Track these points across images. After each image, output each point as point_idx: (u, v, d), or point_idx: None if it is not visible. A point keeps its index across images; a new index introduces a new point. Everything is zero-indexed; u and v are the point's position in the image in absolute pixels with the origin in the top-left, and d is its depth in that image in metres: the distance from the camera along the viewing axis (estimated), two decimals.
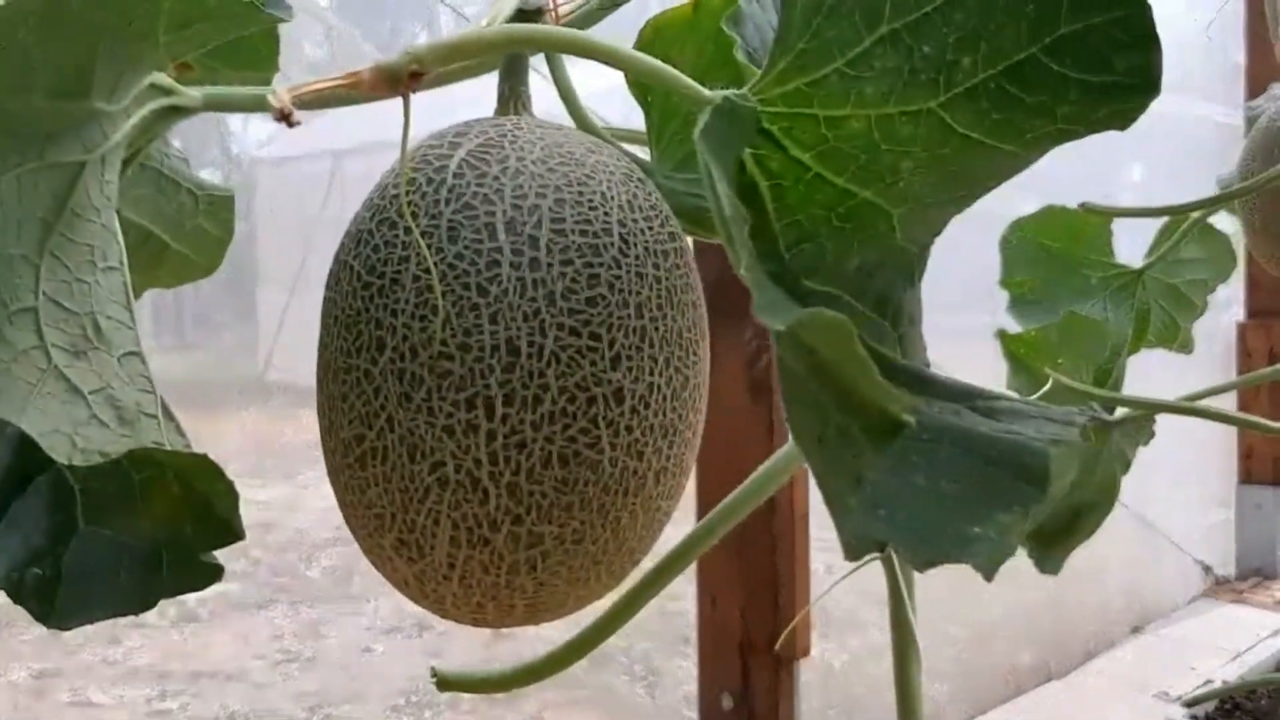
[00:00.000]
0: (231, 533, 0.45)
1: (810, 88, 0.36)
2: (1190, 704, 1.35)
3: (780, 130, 0.37)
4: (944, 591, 2.28)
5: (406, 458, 0.45)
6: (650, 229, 0.47)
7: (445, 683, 0.59)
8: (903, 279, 0.44)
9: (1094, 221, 1.45)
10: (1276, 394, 2.41)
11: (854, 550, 0.32)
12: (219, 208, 0.62)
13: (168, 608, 2.91)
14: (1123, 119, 0.38)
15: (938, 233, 0.43)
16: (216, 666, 2.55)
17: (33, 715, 2.34)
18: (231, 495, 0.44)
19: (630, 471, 0.47)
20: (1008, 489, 0.34)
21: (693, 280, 0.48)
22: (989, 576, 1.03)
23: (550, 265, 0.44)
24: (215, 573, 0.46)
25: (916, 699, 0.67)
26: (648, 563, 0.63)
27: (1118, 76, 0.38)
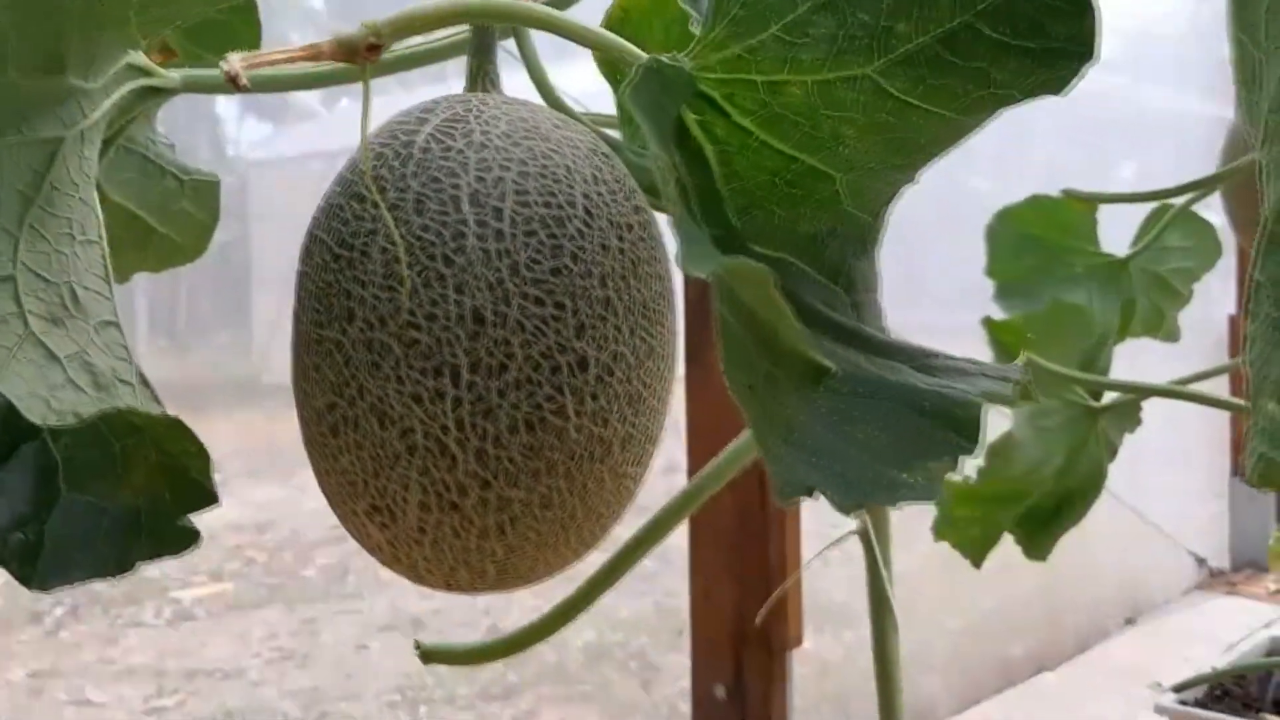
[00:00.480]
0: (207, 496, 0.46)
1: (748, 54, 0.37)
2: (1179, 689, 1.36)
3: (723, 96, 0.38)
4: (938, 585, 2.30)
5: (376, 425, 0.46)
6: (615, 202, 0.48)
7: (428, 655, 0.60)
8: (856, 247, 0.45)
9: (1079, 211, 1.46)
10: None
11: (783, 493, 0.34)
12: (203, 192, 0.63)
13: (164, 608, 2.93)
14: (1058, 85, 0.39)
15: (887, 201, 0.44)
16: (213, 665, 2.57)
17: (31, 714, 2.36)
18: (204, 458, 0.45)
19: (596, 438, 0.48)
20: (939, 439, 0.35)
21: (659, 253, 0.49)
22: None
23: (514, 236, 0.45)
24: (192, 537, 0.47)
25: (896, 677, 0.69)
26: (625, 534, 0.65)
27: (1055, 43, 0.39)
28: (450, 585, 0.51)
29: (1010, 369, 0.40)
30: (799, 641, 1.65)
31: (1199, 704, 1.39)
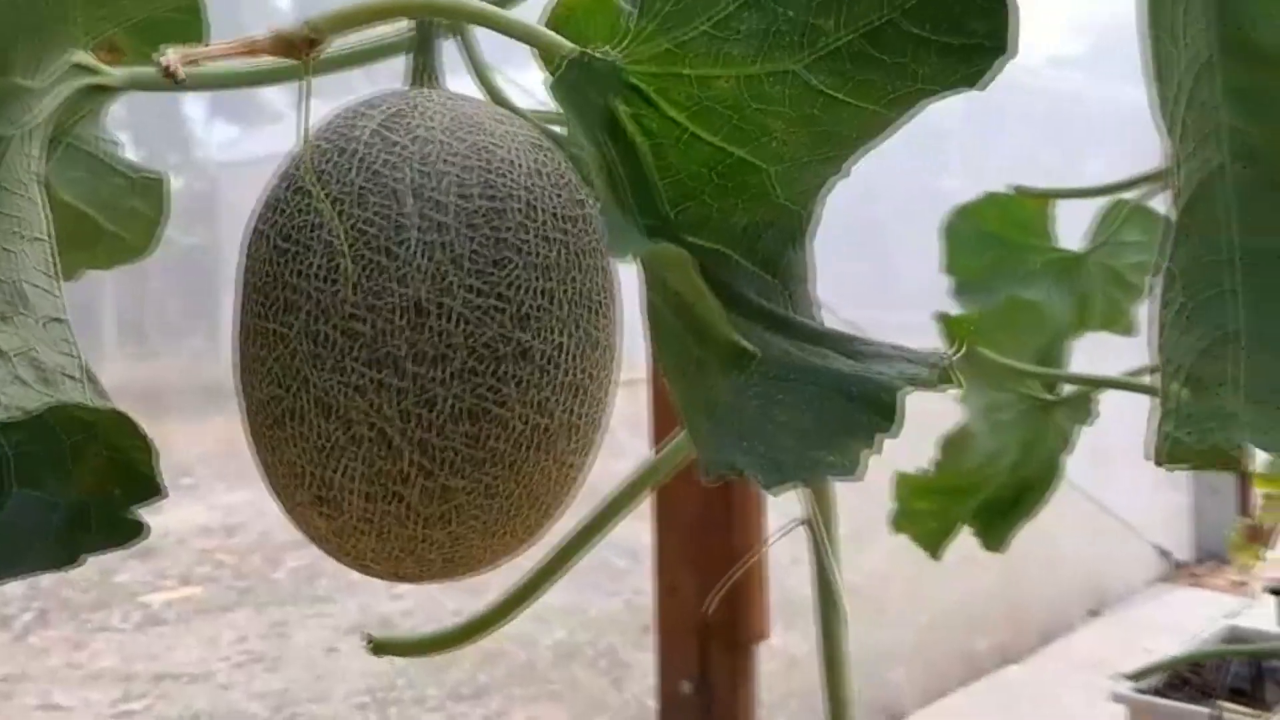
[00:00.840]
0: (154, 489, 0.47)
1: (677, 48, 0.38)
2: (1136, 677, 1.38)
3: (655, 90, 0.39)
4: (905, 581, 2.32)
5: (320, 416, 0.47)
6: (558, 195, 0.49)
7: (380, 647, 0.61)
8: (790, 239, 0.46)
9: (1036, 208, 1.48)
10: None
11: (709, 472, 0.35)
12: (151, 190, 0.64)
13: (133, 612, 2.91)
14: (976, 78, 0.40)
15: (817, 193, 0.45)
16: (181, 669, 2.56)
17: None
18: (149, 451, 0.46)
19: (539, 427, 0.49)
20: (861, 420, 0.37)
21: (601, 245, 0.50)
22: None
23: (456, 229, 0.46)
24: (139, 529, 0.47)
25: (844, 666, 0.70)
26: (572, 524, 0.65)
27: (973, 39, 0.40)
28: (397, 575, 0.52)
29: (933, 354, 0.41)
30: (765, 635, 1.67)
31: (1157, 692, 1.41)
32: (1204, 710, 1.26)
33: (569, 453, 0.51)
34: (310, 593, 2.96)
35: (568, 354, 0.49)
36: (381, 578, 0.52)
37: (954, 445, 1.31)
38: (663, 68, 0.39)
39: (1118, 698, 1.35)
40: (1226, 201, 0.41)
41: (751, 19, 0.38)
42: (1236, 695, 1.40)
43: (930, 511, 1.34)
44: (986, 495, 1.35)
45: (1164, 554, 2.96)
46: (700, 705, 1.71)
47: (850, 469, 0.36)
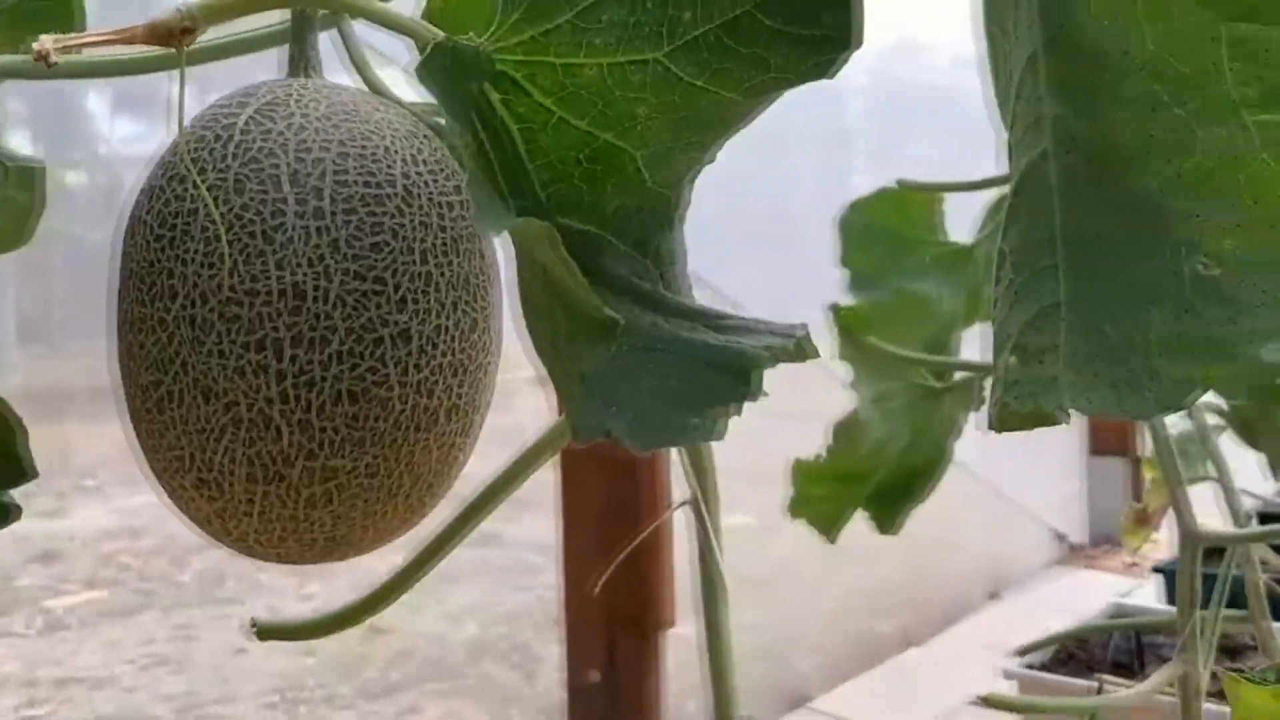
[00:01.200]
0: (25, 472, 0.47)
1: (544, 37, 0.40)
2: (1023, 653, 1.43)
3: (523, 76, 0.41)
4: (812, 568, 2.37)
5: (201, 400, 0.48)
6: (435, 181, 0.50)
7: (265, 632, 0.62)
8: (660, 223, 0.48)
9: (926, 202, 1.52)
10: None
11: (580, 436, 0.37)
12: (29, 178, 0.63)
13: (36, 617, 2.84)
14: (827, 69, 0.43)
15: (684, 178, 0.47)
16: (85, 673, 2.50)
17: None
18: (22, 432, 0.46)
19: (421, 408, 0.50)
20: (724, 387, 0.39)
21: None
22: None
23: (334, 214, 0.47)
24: (12, 511, 0.48)
25: (726, 646, 0.72)
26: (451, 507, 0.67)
27: (824, 30, 0.43)
28: (281, 556, 0.53)
29: (795, 327, 0.44)
30: (671, 624, 1.69)
31: (1044, 667, 1.47)
32: (1087, 683, 1.31)
33: (451, 433, 0.52)
34: (217, 594, 2.92)
35: (448, 335, 0.50)
36: (265, 559, 0.53)
37: (845, 432, 1.34)
38: (529, 55, 0.40)
39: (1008, 674, 1.40)
40: (1050, 185, 0.44)
41: (614, 10, 0.40)
42: (1119, 669, 1.46)
43: (825, 497, 1.38)
44: (879, 480, 1.39)
45: (1060, 537, 3.06)
46: (608, 694, 1.73)
47: (712, 433, 0.39)
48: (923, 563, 2.49)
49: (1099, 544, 3.09)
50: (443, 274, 0.50)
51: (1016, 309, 0.45)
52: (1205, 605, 1.44)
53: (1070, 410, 0.43)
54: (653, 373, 0.39)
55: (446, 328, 0.50)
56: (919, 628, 2.38)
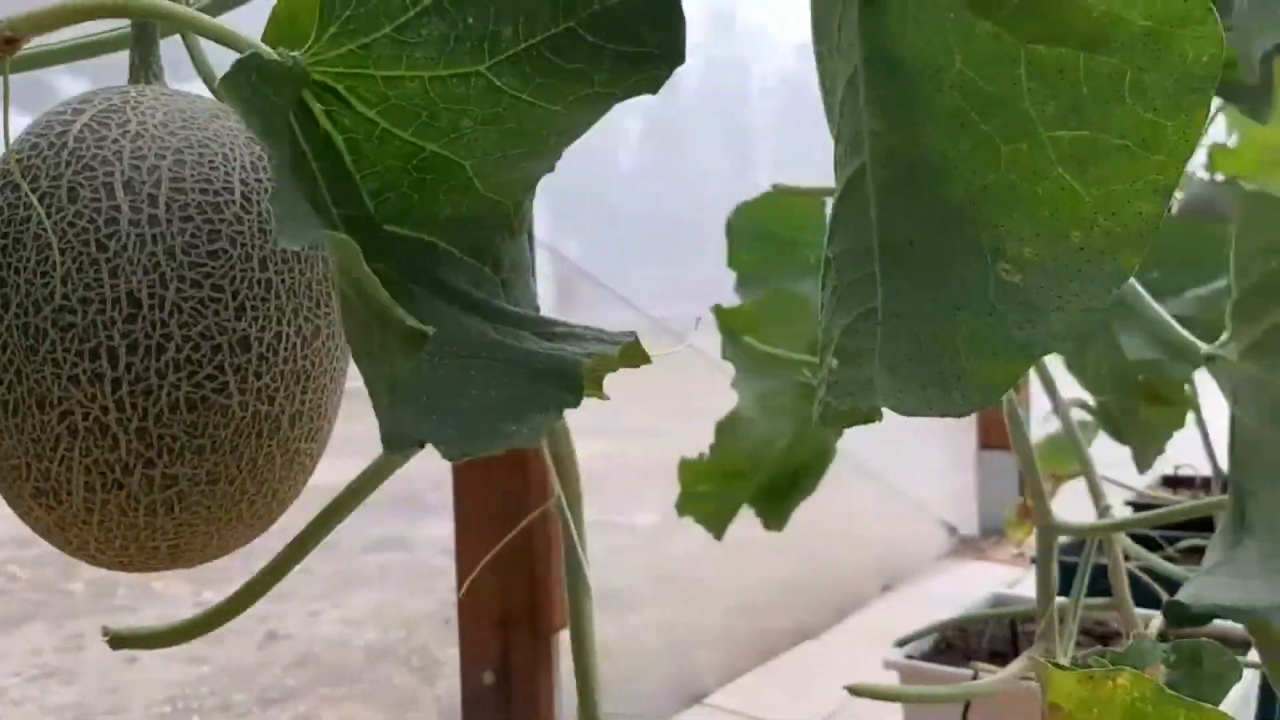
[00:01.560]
0: None
1: (363, 50, 0.41)
2: (903, 643, 1.47)
3: (345, 88, 0.42)
4: (714, 567, 2.40)
5: (36, 408, 0.47)
6: None
7: (118, 640, 0.61)
8: (499, 229, 0.49)
9: (809, 204, 1.55)
10: None
11: (389, 445, 0.37)
12: None
13: None
14: (652, 85, 0.44)
15: (523, 186, 0.48)
16: None
17: None
18: None
19: (262, 415, 0.50)
20: (547, 394, 0.40)
21: None
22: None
23: (170, 221, 0.48)
24: None
25: (590, 642, 0.74)
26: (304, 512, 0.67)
27: (648, 48, 0.44)
28: (124, 565, 0.53)
29: (621, 334, 0.45)
30: (565, 624, 1.69)
31: (925, 657, 1.50)
32: (964, 671, 1.35)
33: (295, 439, 0.52)
34: (108, 603, 2.85)
35: (289, 343, 0.50)
36: (108, 567, 0.53)
37: (729, 430, 1.37)
38: (350, 68, 0.41)
39: (888, 664, 1.43)
40: (868, 196, 0.46)
41: (435, 24, 0.41)
42: (996, 657, 1.51)
43: (711, 494, 1.40)
44: (764, 477, 1.42)
45: (951, 530, 3.14)
46: (502, 695, 1.73)
47: (532, 438, 0.40)
48: (819, 557, 2.53)
49: (989, 536, 3.17)
50: (284, 281, 0.50)
51: (838, 314, 0.47)
52: (1082, 594, 1.49)
53: (884, 410, 0.45)
54: (476, 381, 0.40)
55: (288, 335, 0.50)
56: (814, 621, 2.43)
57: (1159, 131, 0.40)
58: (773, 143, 3.03)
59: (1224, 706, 1.25)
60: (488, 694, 1.73)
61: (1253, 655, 1.10)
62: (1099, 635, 1.61)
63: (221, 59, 0.58)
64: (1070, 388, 1.59)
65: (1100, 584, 1.37)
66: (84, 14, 0.41)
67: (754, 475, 1.41)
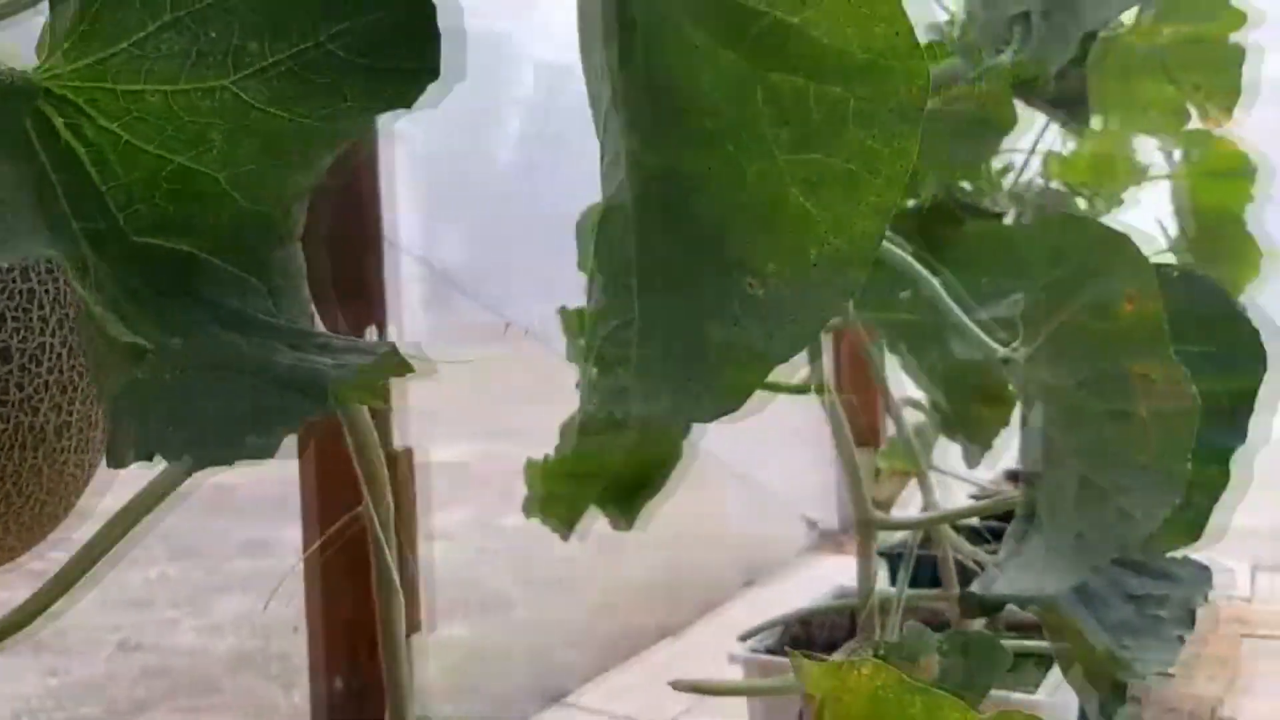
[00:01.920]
0: None
1: (100, 65, 0.41)
2: (747, 637, 1.50)
3: (85, 101, 0.42)
4: (583, 568, 2.41)
5: None
6: None
7: None
8: (264, 240, 0.49)
9: None
10: (856, 369, 2.70)
11: (111, 458, 0.38)
12: None
13: None
14: (406, 99, 0.45)
15: (288, 197, 0.49)
16: None
17: None
18: None
19: (26, 426, 0.50)
20: (291, 405, 0.40)
21: None
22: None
23: None
24: None
25: (400, 645, 0.74)
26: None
27: (400, 63, 0.45)
28: None
29: (380, 344, 0.46)
30: (418, 628, 1.69)
31: (770, 651, 1.54)
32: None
33: (63, 450, 0.52)
34: None
35: (53, 353, 0.50)
36: None
37: (570, 431, 1.38)
38: (88, 82, 0.41)
39: (733, 658, 1.46)
40: (627, 214, 0.48)
41: (175, 40, 0.41)
42: (835, 648, 1.55)
43: (559, 495, 1.42)
44: (611, 477, 1.43)
45: (813, 525, 3.21)
46: (353, 701, 1.71)
47: (270, 450, 0.40)
48: (684, 555, 2.57)
49: (847, 530, 3.25)
50: (46, 291, 0.50)
51: (600, 323, 0.49)
52: (918, 585, 1.55)
53: (637, 416, 0.47)
54: (220, 394, 0.40)
55: (52, 345, 0.50)
56: (676, 618, 2.46)
57: (878, 157, 0.42)
58: None
59: (1045, 686, 1.31)
60: (339, 700, 1.71)
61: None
62: (934, 625, 1.67)
63: None
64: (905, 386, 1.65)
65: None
66: None
67: (600, 475, 1.43)
